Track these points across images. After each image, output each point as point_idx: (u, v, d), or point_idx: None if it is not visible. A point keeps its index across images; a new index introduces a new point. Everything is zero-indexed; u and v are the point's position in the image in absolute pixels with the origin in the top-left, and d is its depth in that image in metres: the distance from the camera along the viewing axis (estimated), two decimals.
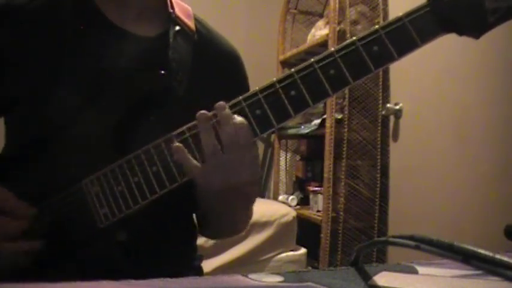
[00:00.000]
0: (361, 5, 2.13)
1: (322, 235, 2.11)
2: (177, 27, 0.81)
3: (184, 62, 0.79)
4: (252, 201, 0.79)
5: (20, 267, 0.66)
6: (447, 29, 0.60)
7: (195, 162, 0.63)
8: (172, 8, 0.84)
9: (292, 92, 0.62)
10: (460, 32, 0.60)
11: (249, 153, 0.64)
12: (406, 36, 0.60)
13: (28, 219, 0.68)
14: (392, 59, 0.61)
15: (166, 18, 0.83)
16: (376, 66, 0.61)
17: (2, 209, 0.67)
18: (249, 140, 0.63)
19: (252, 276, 0.46)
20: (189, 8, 0.88)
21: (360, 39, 0.61)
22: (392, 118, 2.06)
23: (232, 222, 0.85)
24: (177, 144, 0.63)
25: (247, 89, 0.88)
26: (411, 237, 0.38)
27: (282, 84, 0.62)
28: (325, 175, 2.12)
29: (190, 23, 0.85)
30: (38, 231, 0.68)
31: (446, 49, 1.65)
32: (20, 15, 0.78)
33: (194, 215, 0.91)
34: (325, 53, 0.62)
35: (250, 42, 2.59)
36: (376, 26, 0.61)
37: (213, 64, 0.85)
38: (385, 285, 0.45)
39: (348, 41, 0.62)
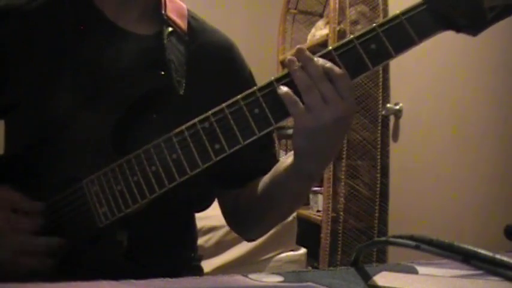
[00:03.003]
0: (361, 5, 2.13)
1: (322, 235, 2.11)
2: (170, 29, 0.81)
3: (179, 62, 0.79)
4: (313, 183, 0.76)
5: (42, 265, 0.67)
6: (445, 26, 0.60)
7: (295, 97, 0.61)
8: (165, 8, 0.83)
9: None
10: (458, 29, 0.60)
11: (346, 86, 0.61)
12: (403, 33, 0.60)
13: (39, 215, 0.68)
14: (390, 57, 0.61)
15: (160, 18, 0.82)
16: (374, 63, 0.61)
17: (13, 207, 0.68)
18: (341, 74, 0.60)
19: (252, 276, 0.46)
20: (184, 6, 0.88)
21: (357, 37, 0.61)
22: (392, 118, 2.06)
23: (295, 198, 0.79)
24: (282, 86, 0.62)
25: (246, 77, 0.87)
26: (411, 237, 0.38)
27: (281, 82, 0.62)
28: (325, 175, 2.12)
29: (182, 23, 0.84)
30: (45, 230, 0.68)
31: (446, 49, 1.65)
32: (19, 15, 0.78)
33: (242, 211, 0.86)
34: (322, 52, 0.62)
35: (250, 42, 2.58)
36: (374, 24, 0.61)
37: (208, 62, 0.84)
38: (385, 285, 0.45)
39: (345, 39, 0.62)
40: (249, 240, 0.93)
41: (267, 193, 0.78)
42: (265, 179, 0.79)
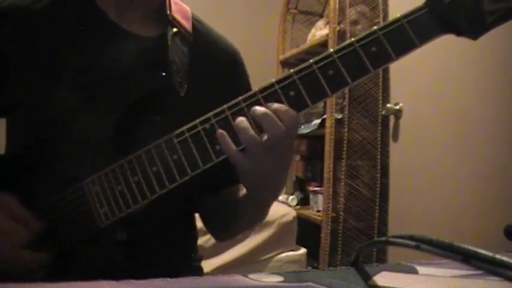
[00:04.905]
0: (361, 5, 2.13)
1: (322, 235, 2.11)
2: (174, 29, 0.81)
3: (182, 64, 0.79)
4: (276, 196, 0.79)
5: (30, 276, 0.66)
6: (445, 30, 0.60)
7: (234, 147, 0.62)
8: (170, 9, 0.83)
9: (291, 93, 0.62)
10: (458, 33, 0.61)
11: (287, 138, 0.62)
12: (404, 37, 0.60)
13: (33, 228, 0.68)
14: (390, 60, 0.61)
15: (165, 19, 0.83)
16: (374, 66, 0.61)
17: (9, 215, 0.67)
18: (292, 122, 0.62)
19: (252, 276, 0.46)
20: (188, 9, 0.88)
21: (358, 40, 0.61)
22: (392, 118, 2.06)
23: (257, 213, 0.83)
24: (220, 131, 0.63)
25: (248, 84, 0.88)
26: (411, 237, 0.38)
27: (281, 84, 0.62)
28: (325, 175, 2.12)
29: (187, 25, 0.84)
30: (41, 235, 0.68)
31: (446, 49, 1.65)
32: (23, 16, 0.78)
33: (210, 214, 0.91)
34: (323, 54, 0.62)
35: (250, 42, 2.58)
36: (375, 27, 0.61)
37: (211, 64, 0.85)
38: (385, 285, 0.45)
39: (346, 42, 0.62)
40: (219, 240, 0.97)
41: (229, 208, 0.82)
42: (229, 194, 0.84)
